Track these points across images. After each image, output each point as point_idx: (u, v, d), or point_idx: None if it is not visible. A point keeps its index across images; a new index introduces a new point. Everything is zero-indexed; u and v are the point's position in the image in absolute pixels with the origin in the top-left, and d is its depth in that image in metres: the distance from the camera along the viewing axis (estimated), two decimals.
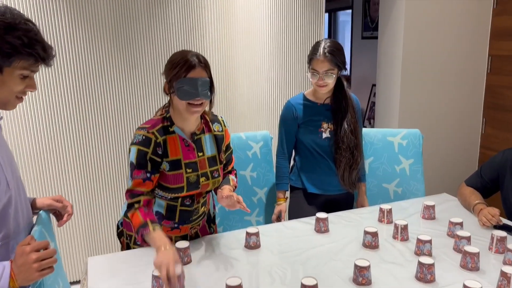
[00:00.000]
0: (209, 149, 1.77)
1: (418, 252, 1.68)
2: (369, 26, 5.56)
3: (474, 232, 1.83)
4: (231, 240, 1.85)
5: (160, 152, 1.63)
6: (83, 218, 2.90)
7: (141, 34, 2.80)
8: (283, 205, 2.25)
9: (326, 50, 2.01)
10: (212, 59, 2.93)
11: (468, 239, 1.70)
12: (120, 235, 1.88)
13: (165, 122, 1.66)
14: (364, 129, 2.43)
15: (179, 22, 2.86)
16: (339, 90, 2.16)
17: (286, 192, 2.30)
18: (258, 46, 3.09)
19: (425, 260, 1.51)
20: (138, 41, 2.80)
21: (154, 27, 2.82)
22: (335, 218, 2.05)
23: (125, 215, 1.63)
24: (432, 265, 1.50)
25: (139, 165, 1.61)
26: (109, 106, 2.82)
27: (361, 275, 1.49)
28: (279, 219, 2.24)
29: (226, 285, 1.38)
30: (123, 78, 2.81)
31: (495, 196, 2.18)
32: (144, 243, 1.58)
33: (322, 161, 2.20)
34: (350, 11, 5.96)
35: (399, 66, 3.44)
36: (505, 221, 1.96)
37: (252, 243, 1.77)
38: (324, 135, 2.16)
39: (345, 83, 2.18)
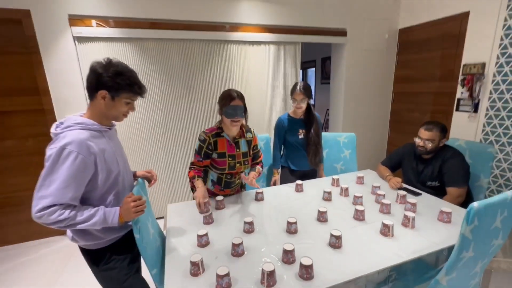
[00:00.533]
0: (243, 147, 1.71)
1: (355, 203, 1.64)
2: (325, 77, 5.55)
3: (387, 191, 1.79)
4: (248, 196, 1.81)
5: (211, 147, 1.60)
6: (166, 181, 2.87)
7: (198, 78, 2.75)
8: (277, 176, 2.20)
9: (301, 87, 1.95)
10: None
11: (384, 195, 1.66)
12: (192, 189, 1.85)
13: (218, 130, 1.62)
14: (323, 133, 2.37)
15: (219, 71, 2.81)
16: (308, 110, 2.10)
17: (278, 169, 2.24)
18: (263, 85, 3.03)
19: (359, 207, 1.47)
20: (196, 82, 2.75)
21: (205, 74, 2.76)
22: (306, 184, 2.00)
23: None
24: (363, 211, 1.46)
25: (198, 152, 1.60)
26: (179, 119, 2.78)
27: (322, 216, 1.45)
28: (274, 184, 2.19)
29: (244, 222, 1.35)
30: (187, 104, 2.77)
31: (398, 172, 2.12)
32: (193, 186, 1.59)
33: (299, 151, 2.14)
34: (314, 68, 5.99)
35: (342, 99, 3.39)
36: (405, 185, 1.91)
37: (259, 198, 1.74)
38: (300, 137, 2.11)
39: (312, 107, 2.13)
